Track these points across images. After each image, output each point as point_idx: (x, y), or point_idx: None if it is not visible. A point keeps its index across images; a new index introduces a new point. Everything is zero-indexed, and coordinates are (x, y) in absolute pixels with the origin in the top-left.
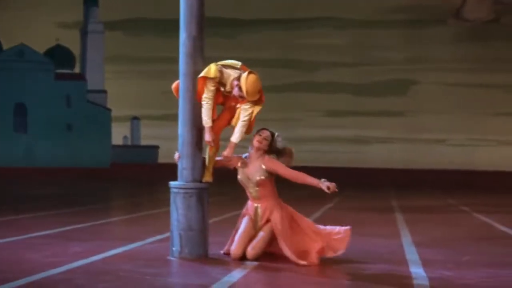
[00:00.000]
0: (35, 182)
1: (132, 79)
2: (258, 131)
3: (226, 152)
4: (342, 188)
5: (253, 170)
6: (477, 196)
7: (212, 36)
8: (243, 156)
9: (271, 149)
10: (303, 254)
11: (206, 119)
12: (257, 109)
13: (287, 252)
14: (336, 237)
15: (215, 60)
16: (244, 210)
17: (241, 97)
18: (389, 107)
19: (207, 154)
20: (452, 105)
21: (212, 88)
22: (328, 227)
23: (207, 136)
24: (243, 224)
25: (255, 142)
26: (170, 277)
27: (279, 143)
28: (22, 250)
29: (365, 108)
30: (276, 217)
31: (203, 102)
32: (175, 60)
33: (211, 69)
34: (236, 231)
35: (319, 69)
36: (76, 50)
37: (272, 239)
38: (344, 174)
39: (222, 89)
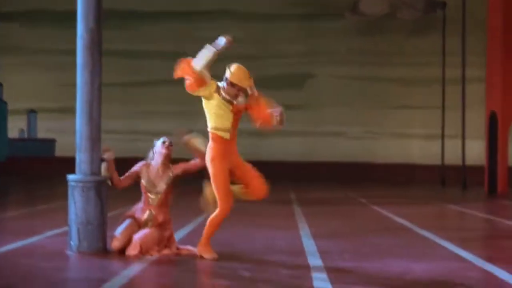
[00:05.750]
0: None
1: (29, 71)
2: (164, 142)
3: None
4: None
5: (160, 179)
6: (375, 189)
7: (113, 28)
8: (150, 161)
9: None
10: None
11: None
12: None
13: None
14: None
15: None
16: (129, 212)
17: (232, 89)
18: (287, 100)
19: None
20: (350, 98)
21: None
22: (185, 247)
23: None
24: (125, 223)
25: (165, 150)
26: (69, 272)
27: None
28: None
29: None
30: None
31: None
32: (74, 52)
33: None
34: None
35: (217, 62)
36: None
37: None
38: None
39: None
